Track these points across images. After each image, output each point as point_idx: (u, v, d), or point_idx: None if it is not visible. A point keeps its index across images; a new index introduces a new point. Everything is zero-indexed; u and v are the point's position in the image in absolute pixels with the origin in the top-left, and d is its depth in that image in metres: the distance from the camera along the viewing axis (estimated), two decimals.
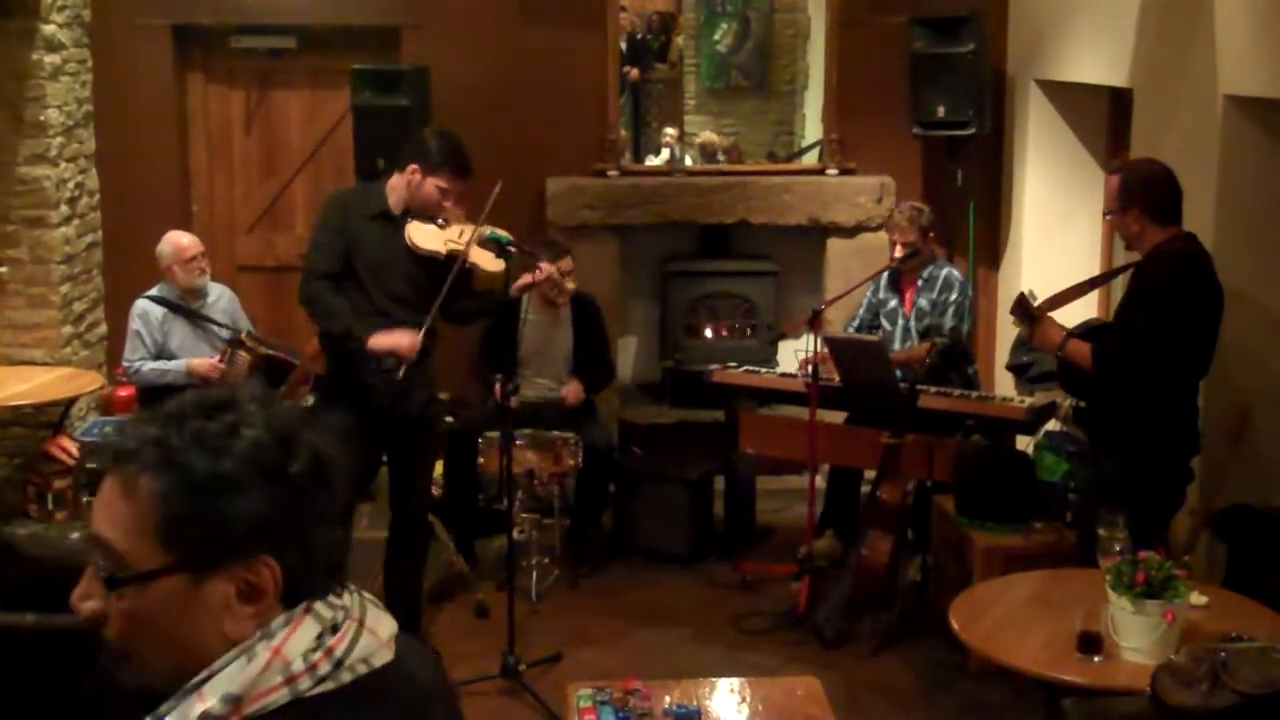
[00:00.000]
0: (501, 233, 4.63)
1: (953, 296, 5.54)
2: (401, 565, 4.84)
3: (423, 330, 4.44)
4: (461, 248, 4.48)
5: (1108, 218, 4.25)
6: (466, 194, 4.62)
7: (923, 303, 5.59)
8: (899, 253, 5.53)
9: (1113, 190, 4.13)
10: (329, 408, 4.74)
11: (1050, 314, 4.26)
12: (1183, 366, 4.04)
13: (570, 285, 5.70)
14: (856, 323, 5.77)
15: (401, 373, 4.41)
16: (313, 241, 4.59)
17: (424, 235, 4.51)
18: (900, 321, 5.64)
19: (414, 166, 4.50)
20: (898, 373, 5.31)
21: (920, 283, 5.60)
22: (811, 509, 5.25)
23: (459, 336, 5.10)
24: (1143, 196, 4.04)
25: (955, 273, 5.67)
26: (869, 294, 5.77)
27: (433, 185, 4.48)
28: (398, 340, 4.42)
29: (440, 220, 4.53)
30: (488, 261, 4.59)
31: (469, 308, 4.79)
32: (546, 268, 4.91)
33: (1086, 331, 4.25)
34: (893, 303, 5.68)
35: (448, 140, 4.57)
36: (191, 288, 5.68)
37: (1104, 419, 4.21)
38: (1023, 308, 4.27)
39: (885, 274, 5.70)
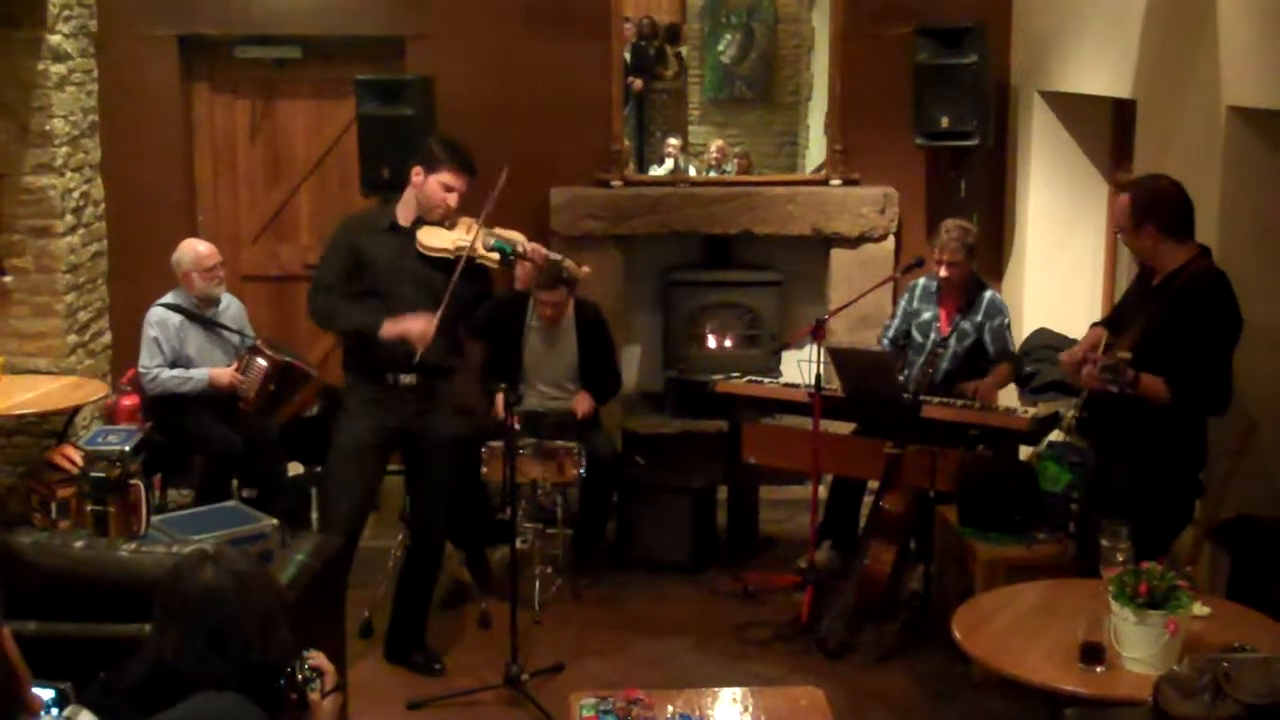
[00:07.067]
0: (507, 239, 4.59)
1: (1006, 320, 5.51)
2: (415, 584, 4.86)
3: (436, 318, 4.40)
4: (468, 244, 4.48)
5: (1119, 236, 4.25)
6: (476, 199, 4.60)
7: (965, 325, 5.49)
8: (944, 273, 5.44)
9: (1124, 209, 4.14)
10: (339, 420, 4.74)
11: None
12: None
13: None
14: (891, 332, 5.70)
15: (417, 357, 4.42)
16: (320, 259, 4.64)
17: (432, 236, 4.53)
18: (933, 335, 5.54)
19: (417, 169, 4.54)
20: (902, 380, 5.31)
21: (963, 302, 5.53)
22: (814, 519, 5.24)
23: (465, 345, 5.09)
24: (1155, 213, 4.05)
25: (997, 295, 5.63)
26: (904, 302, 5.71)
27: (436, 183, 4.50)
28: (409, 325, 4.41)
29: (448, 223, 4.55)
30: (495, 258, 4.57)
31: (486, 310, 4.74)
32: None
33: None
34: (927, 314, 5.59)
35: (448, 140, 4.66)
36: (208, 296, 5.71)
37: (1114, 429, 4.20)
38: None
39: (921, 282, 5.67)
